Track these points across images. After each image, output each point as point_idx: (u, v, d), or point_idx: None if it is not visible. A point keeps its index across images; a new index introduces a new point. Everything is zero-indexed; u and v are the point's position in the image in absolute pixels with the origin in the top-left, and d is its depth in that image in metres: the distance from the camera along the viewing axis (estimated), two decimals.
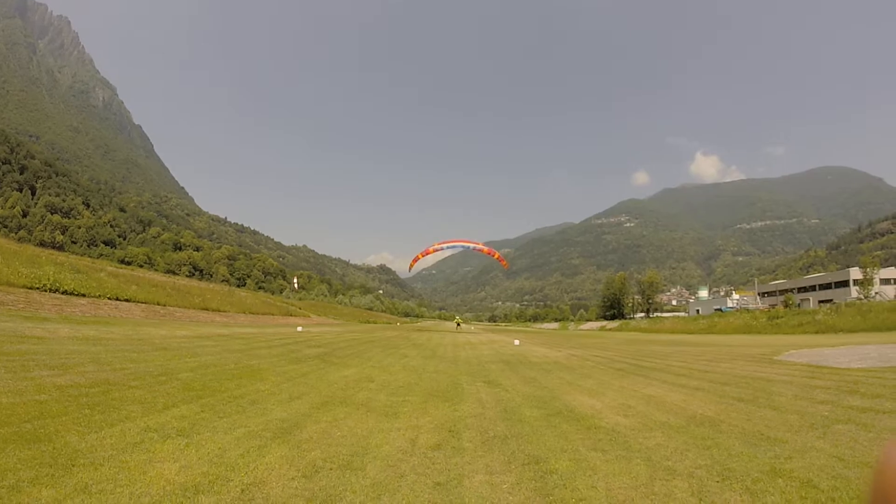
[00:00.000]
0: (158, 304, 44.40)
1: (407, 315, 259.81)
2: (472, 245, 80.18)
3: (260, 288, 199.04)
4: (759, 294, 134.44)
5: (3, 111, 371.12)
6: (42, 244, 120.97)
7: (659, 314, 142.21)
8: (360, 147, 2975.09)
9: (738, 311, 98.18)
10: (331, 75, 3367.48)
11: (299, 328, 48.94)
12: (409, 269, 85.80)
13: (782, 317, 61.44)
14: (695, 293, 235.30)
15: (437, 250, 78.03)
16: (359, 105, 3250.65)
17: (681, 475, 6.30)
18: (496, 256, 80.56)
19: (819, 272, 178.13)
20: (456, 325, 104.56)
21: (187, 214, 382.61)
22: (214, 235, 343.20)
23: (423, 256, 78.98)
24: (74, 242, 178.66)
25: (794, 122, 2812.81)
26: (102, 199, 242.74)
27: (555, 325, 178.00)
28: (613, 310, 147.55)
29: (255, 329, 42.27)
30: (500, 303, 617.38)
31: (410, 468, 6.58)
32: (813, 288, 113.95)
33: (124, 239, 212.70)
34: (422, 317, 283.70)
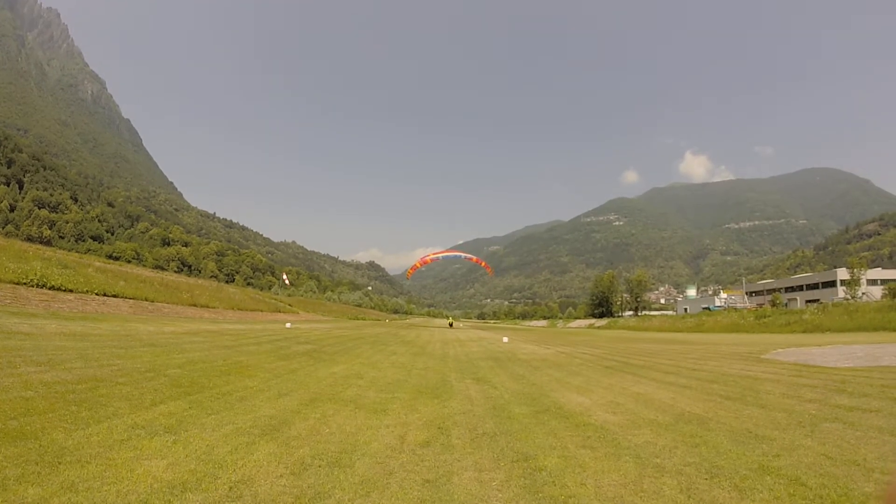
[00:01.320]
0: (146, 299, 44.09)
1: (396, 312, 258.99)
2: (462, 255, 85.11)
3: (249, 284, 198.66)
4: (746, 293, 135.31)
5: None
6: (29, 239, 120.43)
7: (647, 313, 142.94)
8: (348, 143, 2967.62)
9: (725, 310, 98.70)
10: (320, 70, 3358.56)
11: (288, 324, 48.77)
12: (408, 277, 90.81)
13: (770, 316, 61.78)
14: (683, 292, 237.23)
15: (433, 259, 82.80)
16: (346, 101, 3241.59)
17: (669, 472, 6.33)
18: (483, 264, 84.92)
19: (806, 272, 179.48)
20: (449, 324, 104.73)
21: (176, 210, 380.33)
22: (203, 231, 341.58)
23: (420, 265, 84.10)
24: (62, 237, 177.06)
25: (784, 122, 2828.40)
26: (90, 193, 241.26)
27: (543, 322, 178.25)
28: (602, 308, 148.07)
29: (244, 325, 42.13)
30: (489, 300, 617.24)
31: (399, 465, 6.58)
32: (800, 288, 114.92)
33: (112, 234, 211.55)
34: (411, 314, 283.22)
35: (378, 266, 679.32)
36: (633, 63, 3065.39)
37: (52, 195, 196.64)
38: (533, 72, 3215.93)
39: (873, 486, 5.75)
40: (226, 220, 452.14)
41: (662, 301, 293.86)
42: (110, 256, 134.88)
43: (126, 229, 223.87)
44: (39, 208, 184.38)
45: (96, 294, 37.26)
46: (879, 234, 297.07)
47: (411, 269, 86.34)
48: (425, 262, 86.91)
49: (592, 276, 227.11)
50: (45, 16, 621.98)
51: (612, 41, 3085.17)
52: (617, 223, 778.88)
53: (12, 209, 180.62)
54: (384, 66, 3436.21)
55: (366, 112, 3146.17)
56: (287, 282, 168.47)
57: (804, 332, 48.34)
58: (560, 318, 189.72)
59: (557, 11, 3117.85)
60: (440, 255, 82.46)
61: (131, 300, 41.38)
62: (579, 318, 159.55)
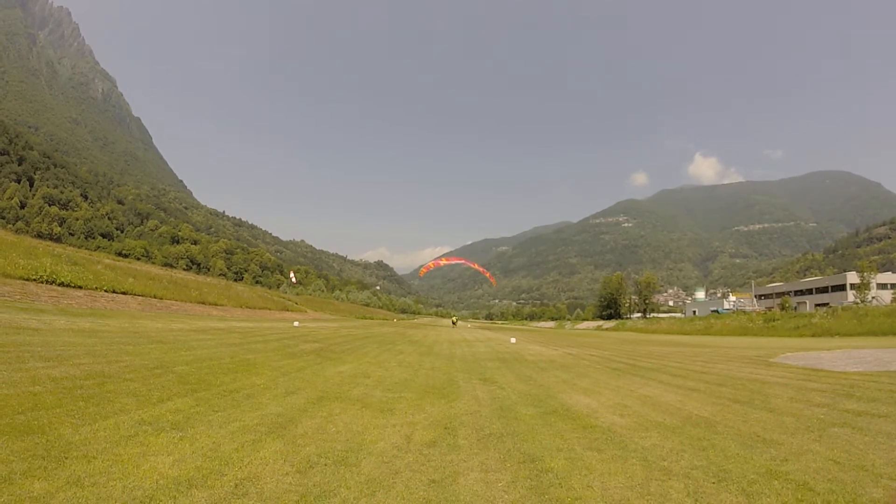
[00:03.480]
0: (155, 296, 44.31)
1: (404, 312, 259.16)
2: (472, 264, 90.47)
3: (257, 282, 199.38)
4: (755, 296, 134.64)
5: (2, 102, 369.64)
6: (39, 235, 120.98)
7: (655, 315, 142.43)
8: (358, 143, 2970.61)
9: (734, 312, 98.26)
10: (329, 70, 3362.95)
11: (296, 323, 48.84)
12: (420, 275, 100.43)
13: (778, 319, 61.50)
14: (691, 294, 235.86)
15: (446, 263, 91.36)
16: (355, 101, 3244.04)
17: (677, 476, 6.30)
18: (488, 275, 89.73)
19: (816, 276, 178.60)
20: (452, 323, 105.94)
21: (185, 208, 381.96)
22: (212, 229, 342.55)
23: (433, 266, 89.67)
24: (72, 234, 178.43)
25: (793, 125, 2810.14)
26: (100, 191, 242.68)
27: (551, 323, 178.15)
28: (610, 309, 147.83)
29: (252, 323, 42.23)
30: (496, 301, 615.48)
31: (405, 465, 6.57)
32: (810, 291, 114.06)
33: (122, 231, 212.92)
34: (419, 314, 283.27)
35: (386, 266, 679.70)
36: (643, 65, 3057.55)
37: (62, 192, 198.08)
38: (543, 73, 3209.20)
39: (882, 492, 5.70)
40: (235, 218, 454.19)
41: (671, 303, 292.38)
42: (120, 254, 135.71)
43: (136, 227, 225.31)
44: (50, 205, 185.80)
45: (105, 291, 37.49)
46: (890, 238, 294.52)
47: (425, 268, 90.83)
48: (438, 265, 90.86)
49: (601, 278, 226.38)
50: (56, 14, 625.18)
51: (622, 43, 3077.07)
52: (626, 225, 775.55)
53: (23, 206, 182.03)
54: (393, 67, 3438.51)
55: (375, 113, 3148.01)
56: (294, 280, 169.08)
57: (813, 335, 48.07)
58: (568, 320, 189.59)
59: (567, 12, 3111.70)
60: (452, 260, 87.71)
61: (140, 297, 41.60)
62: (587, 320, 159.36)
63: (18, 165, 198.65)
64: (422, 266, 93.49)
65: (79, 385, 9.38)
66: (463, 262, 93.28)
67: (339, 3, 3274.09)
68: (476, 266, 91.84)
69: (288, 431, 7.80)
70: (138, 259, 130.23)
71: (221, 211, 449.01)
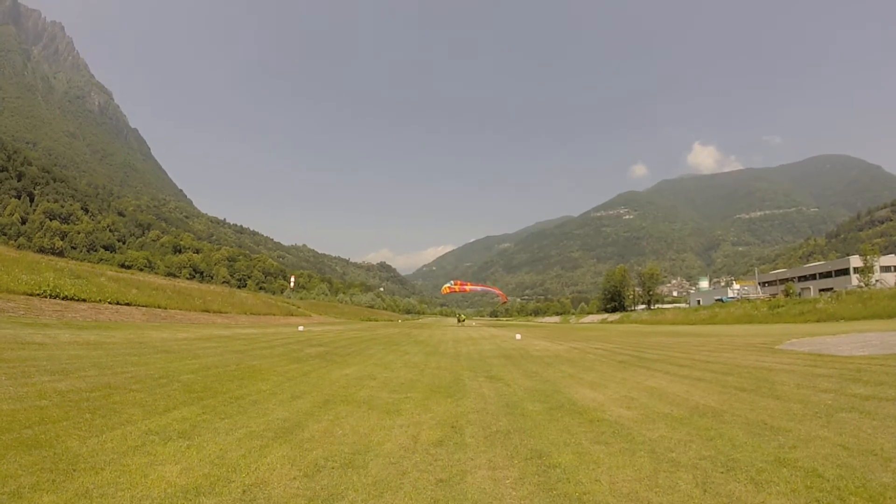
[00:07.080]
0: (159, 307, 44.32)
1: (408, 312, 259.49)
2: (493, 290, 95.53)
3: (261, 288, 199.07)
4: (759, 283, 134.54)
5: None
6: (42, 250, 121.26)
7: (660, 306, 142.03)
8: (356, 145, 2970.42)
9: (738, 300, 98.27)
10: (325, 72, 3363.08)
11: (300, 328, 48.86)
12: (442, 293, 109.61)
13: (783, 306, 61.38)
14: (695, 284, 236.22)
15: (472, 290, 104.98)
16: (352, 102, 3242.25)
17: (685, 467, 6.29)
18: (501, 295, 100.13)
19: (819, 261, 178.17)
20: (458, 321, 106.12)
21: (186, 217, 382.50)
22: (214, 237, 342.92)
23: (458, 290, 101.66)
24: (74, 248, 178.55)
25: (791, 110, 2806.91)
26: (101, 203, 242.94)
27: (556, 318, 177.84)
28: (614, 302, 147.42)
29: (257, 330, 42.23)
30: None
31: (413, 465, 6.56)
32: (813, 276, 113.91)
33: (124, 243, 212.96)
34: (423, 314, 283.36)
35: (389, 267, 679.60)
36: (639, 56, 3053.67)
37: (62, 206, 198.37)
38: (539, 68, 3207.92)
39: (891, 476, 5.69)
40: (236, 225, 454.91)
41: (675, 294, 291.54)
42: (122, 265, 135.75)
43: (137, 238, 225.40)
44: (51, 220, 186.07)
45: (109, 303, 37.52)
46: (891, 220, 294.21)
47: (448, 288, 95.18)
48: (464, 290, 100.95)
49: (604, 271, 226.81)
50: (50, 29, 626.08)
51: (615, 34, 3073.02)
52: (627, 217, 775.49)
53: (24, 222, 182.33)
54: (390, 67, 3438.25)
55: (373, 113, 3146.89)
56: (293, 284, 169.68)
57: (818, 321, 47.99)
58: (573, 314, 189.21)
59: (562, 5, 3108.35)
60: (477, 287, 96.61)
61: (144, 308, 41.62)
62: (592, 314, 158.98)
63: (18, 181, 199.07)
64: (445, 285, 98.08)
65: (85, 397, 9.40)
66: (487, 288, 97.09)
67: (335, 4, 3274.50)
68: (497, 291, 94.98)
69: (294, 436, 7.80)
70: (141, 270, 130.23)
71: (222, 218, 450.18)
